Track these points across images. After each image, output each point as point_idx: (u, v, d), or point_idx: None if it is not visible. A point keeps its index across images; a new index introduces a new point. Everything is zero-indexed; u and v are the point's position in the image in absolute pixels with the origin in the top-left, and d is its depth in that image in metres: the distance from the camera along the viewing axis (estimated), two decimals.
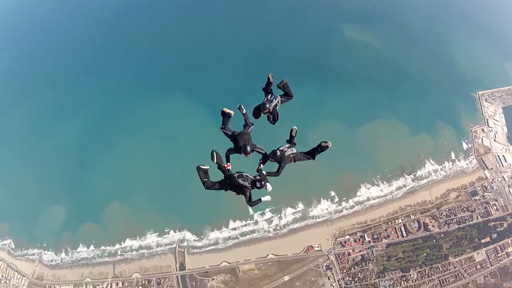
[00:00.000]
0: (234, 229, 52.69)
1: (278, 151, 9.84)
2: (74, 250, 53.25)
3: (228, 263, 50.97)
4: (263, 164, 10.16)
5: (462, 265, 55.98)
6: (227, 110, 10.31)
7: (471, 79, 72.27)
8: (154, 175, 55.64)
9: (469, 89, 71.00)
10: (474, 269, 56.14)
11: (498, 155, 64.93)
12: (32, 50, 73.48)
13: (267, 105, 10.48)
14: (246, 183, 9.44)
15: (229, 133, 10.18)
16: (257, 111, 10.58)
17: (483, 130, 67.33)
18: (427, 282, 54.48)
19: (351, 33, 72.25)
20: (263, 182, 9.44)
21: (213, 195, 9.61)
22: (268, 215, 53.66)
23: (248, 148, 9.55)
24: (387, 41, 72.66)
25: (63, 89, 65.62)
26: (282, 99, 11.24)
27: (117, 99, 63.74)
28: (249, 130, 10.24)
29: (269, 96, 10.89)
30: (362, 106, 62.76)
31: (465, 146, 64.08)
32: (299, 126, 10.67)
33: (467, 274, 55.62)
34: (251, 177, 9.63)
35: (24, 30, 78.06)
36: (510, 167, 64.15)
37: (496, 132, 67.73)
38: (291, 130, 10.58)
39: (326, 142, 10.02)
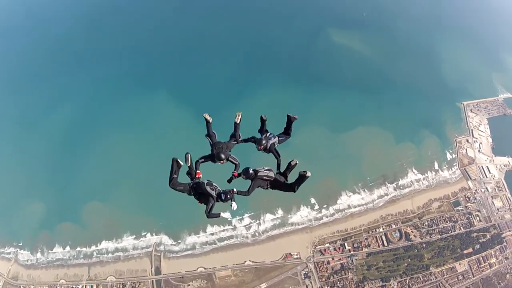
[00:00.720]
0: (212, 234, 52.14)
1: (251, 170, 9.37)
2: (50, 251, 52.39)
3: (205, 268, 50.39)
4: (236, 176, 9.76)
5: (444, 275, 55.54)
6: (207, 116, 10.05)
7: (457, 89, 72.85)
8: (135, 175, 55.03)
9: (454, 99, 71.49)
10: (456, 279, 55.68)
11: (482, 166, 64.96)
12: (20, 44, 73.35)
13: (264, 142, 9.82)
14: (213, 193, 9.17)
15: (211, 142, 9.96)
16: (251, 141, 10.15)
17: (467, 141, 67.38)
18: None
19: (338, 38, 72.98)
20: (228, 196, 9.17)
21: (192, 199, 9.29)
22: (247, 220, 53.18)
23: (222, 156, 9.32)
24: (375, 48, 73.35)
25: (46, 84, 65.24)
26: (280, 138, 10.49)
27: (100, 96, 63.48)
28: (232, 143, 9.93)
29: (267, 134, 10.20)
30: (347, 112, 62.97)
31: (449, 156, 64.05)
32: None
33: (449, 284, 55.19)
34: (219, 189, 9.38)
35: (12, 23, 77.96)
36: (493, 178, 64.14)
37: (481, 143, 67.79)
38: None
39: (305, 171, 9.41)
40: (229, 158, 9.55)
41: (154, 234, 51.81)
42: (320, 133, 57.70)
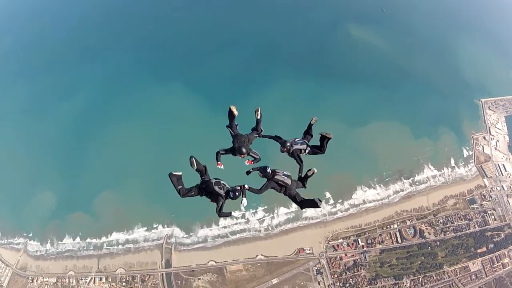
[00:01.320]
0: (224, 227, 51.06)
1: (270, 169, 9.38)
2: (59, 241, 51.55)
3: (216, 262, 49.38)
4: (250, 164, 9.82)
5: (457, 274, 54.57)
6: (233, 109, 9.86)
7: (475, 86, 71.32)
8: (148, 165, 53.46)
9: (472, 95, 69.89)
10: (469, 279, 54.69)
11: (498, 164, 63.73)
12: (34, 32, 71.91)
13: (288, 144, 9.73)
14: (221, 192, 9.11)
15: (232, 133, 9.96)
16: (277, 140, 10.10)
17: (484, 138, 66.11)
18: None
19: (356, 32, 70.87)
20: (237, 193, 9.06)
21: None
22: (260, 214, 52.03)
23: (244, 150, 9.24)
24: (393, 43, 71.61)
25: (59, 72, 64.02)
26: (312, 150, 10.32)
27: (114, 85, 62.10)
28: (253, 135, 9.94)
29: (295, 139, 10.11)
30: (363, 107, 61.38)
31: (465, 153, 62.81)
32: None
33: (462, 284, 54.26)
34: (228, 186, 9.32)
35: (24, 12, 76.75)
36: (509, 177, 62.92)
37: (498, 140, 66.55)
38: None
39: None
40: (250, 153, 9.46)
41: (165, 226, 50.82)
42: (335, 127, 55.76)
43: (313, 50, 67.45)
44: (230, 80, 61.38)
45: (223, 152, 9.67)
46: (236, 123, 10.04)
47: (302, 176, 9.96)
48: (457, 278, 54.39)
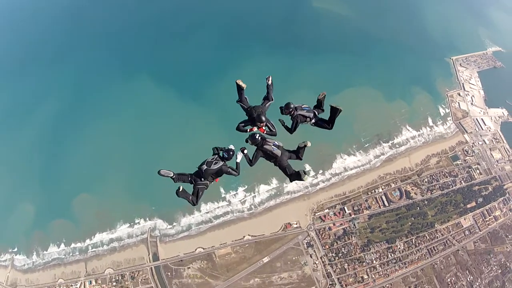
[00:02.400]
0: (207, 212, 50.51)
1: (259, 137, 9.37)
2: (45, 251, 50.64)
3: (203, 248, 48.89)
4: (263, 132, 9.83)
5: (450, 232, 54.38)
6: (240, 82, 9.94)
7: (444, 45, 72.01)
8: (121, 162, 53.11)
9: (443, 54, 70.75)
10: (463, 235, 54.55)
11: (476, 119, 64.02)
12: None
13: (292, 106, 9.62)
14: (219, 164, 9.39)
15: (245, 107, 9.95)
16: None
17: (459, 94, 66.34)
18: (415, 252, 52.66)
19: (319, 3, 71.44)
20: (231, 152, 9.44)
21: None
22: (241, 194, 51.58)
23: (263, 117, 9.31)
24: (357, 9, 72.10)
25: (28, 78, 63.15)
26: (320, 122, 10.21)
27: (82, 84, 61.40)
28: (267, 105, 9.92)
29: (301, 105, 9.98)
30: (334, 75, 61.37)
31: (442, 111, 63.16)
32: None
33: (456, 241, 53.99)
34: (215, 156, 9.62)
35: None
36: (489, 130, 63.31)
37: (473, 96, 66.84)
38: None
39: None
40: (268, 124, 9.58)
41: (147, 219, 50.18)
42: (307, 98, 55.21)
43: (280, 25, 67.64)
44: (200, 65, 61.03)
45: (242, 124, 9.77)
46: (246, 96, 10.07)
47: (296, 148, 9.96)
48: (450, 235, 54.15)
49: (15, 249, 51.76)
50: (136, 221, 50.38)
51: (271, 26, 66.83)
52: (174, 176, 9.53)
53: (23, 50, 67.38)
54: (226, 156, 9.38)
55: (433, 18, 74.57)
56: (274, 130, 9.80)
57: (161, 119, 55.76)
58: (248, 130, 9.75)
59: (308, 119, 9.90)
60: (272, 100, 10.02)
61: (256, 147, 9.54)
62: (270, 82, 10.03)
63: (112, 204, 50.96)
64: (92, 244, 49.87)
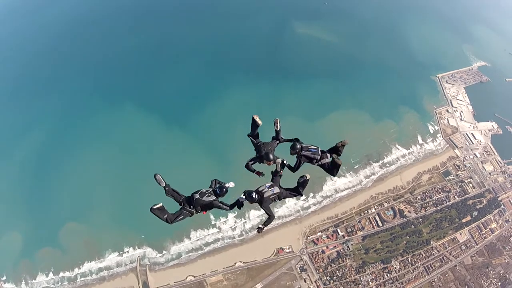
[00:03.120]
0: (197, 239, 49.91)
1: (254, 194, 8.94)
2: (33, 280, 49.32)
3: (194, 276, 47.81)
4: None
5: (446, 248, 53.40)
6: (257, 118, 9.93)
7: (429, 63, 73.60)
8: (109, 190, 53.03)
9: (428, 72, 72.11)
10: (459, 250, 53.52)
11: (466, 133, 64.40)
12: None
13: (298, 147, 9.45)
14: (211, 198, 9.11)
15: (255, 141, 9.98)
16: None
17: (447, 111, 67.06)
18: (411, 271, 51.47)
19: (302, 29, 73.70)
20: (224, 189, 9.13)
21: (171, 205, 9.18)
22: (231, 221, 51.14)
23: (271, 156, 9.22)
24: (340, 34, 74.02)
25: (14, 107, 63.82)
26: (322, 164, 9.92)
27: (68, 113, 62.11)
28: (275, 143, 9.95)
29: (312, 146, 9.80)
30: (321, 99, 62.62)
31: (431, 128, 63.70)
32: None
33: (453, 256, 52.92)
34: (210, 189, 9.32)
35: None
36: (480, 144, 63.47)
37: (462, 111, 67.48)
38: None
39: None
40: (276, 161, 9.46)
41: (136, 248, 49.45)
42: (294, 124, 56.46)
43: (263, 53, 69.51)
44: (184, 94, 62.25)
45: (252, 161, 9.63)
46: (257, 132, 10.09)
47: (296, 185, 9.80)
48: (447, 251, 53.13)
49: (4, 278, 50.74)
50: (125, 249, 49.54)
51: (255, 53, 68.83)
52: (167, 188, 9.33)
53: (8, 81, 68.36)
54: (218, 192, 9.11)
55: (416, 39, 76.73)
56: (279, 170, 9.60)
57: (148, 147, 56.23)
58: (255, 173, 9.65)
59: (314, 160, 9.75)
60: (282, 138, 10.03)
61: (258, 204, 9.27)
62: (278, 128, 9.91)
63: (100, 233, 50.32)
64: (80, 273, 48.74)
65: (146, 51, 69.81)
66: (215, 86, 62.75)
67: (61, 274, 48.70)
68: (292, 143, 9.52)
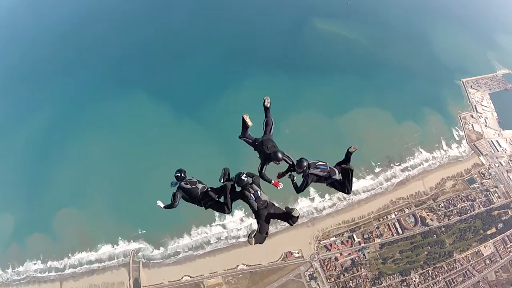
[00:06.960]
0: (198, 235, 45.71)
1: (305, 162, 8.33)
2: (21, 266, 46.20)
3: (191, 277, 43.83)
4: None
5: (469, 261, 49.37)
6: (247, 118, 9.17)
7: (453, 68, 70.62)
8: (109, 178, 49.87)
9: (452, 77, 69.02)
10: (483, 264, 49.40)
11: (491, 141, 61.27)
12: None
13: (305, 164, 8.34)
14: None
15: (250, 141, 9.35)
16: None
17: (472, 116, 64.05)
18: (432, 285, 47.25)
19: (324, 26, 71.02)
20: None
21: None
22: (238, 218, 46.70)
23: (280, 155, 8.44)
24: (363, 34, 71.46)
25: (19, 91, 62.06)
26: (333, 182, 8.78)
27: (72, 98, 59.93)
28: (270, 133, 9.26)
29: (320, 163, 8.70)
30: (341, 96, 59.56)
31: (455, 133, 60.57)
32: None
33: (476, 271, 48.90)
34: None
35: None
36: (505, 152, 60.29)
37: (486, 117, 64.58)
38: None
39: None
40: (284, 157, 8.62)
41: (132, 241, 45.83)
42: (314, 119, 54.20)
43: (283, 47, 66.98)
44: (199, 84, 59.68)
45: (263, 168, 8.79)
46: (248, 133, 9.31)
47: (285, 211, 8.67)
48: (470, 265, 48.82)
49: None
50: (120, 242, 46.02)
51: (275, 47, 66.60)
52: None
53: (21, 64, 67.06)
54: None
55: (441, 43, 74.31)
56: (291, 161, 8.72)
57: (154, 137, 53.29)
58: (273, 183, 8.75)
59: (323, 179, 8.66)
60: (272, 123, 9.28)
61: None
62: (268, 104, 9.17)
63: (96, 222, 47.13)
64: (70, 264, 45.42)
65: (163, 39, 68.28)
66: (232, 77, 60.37)
67: (50, 263, 45.77)
68: (298, 159, 8.52)
